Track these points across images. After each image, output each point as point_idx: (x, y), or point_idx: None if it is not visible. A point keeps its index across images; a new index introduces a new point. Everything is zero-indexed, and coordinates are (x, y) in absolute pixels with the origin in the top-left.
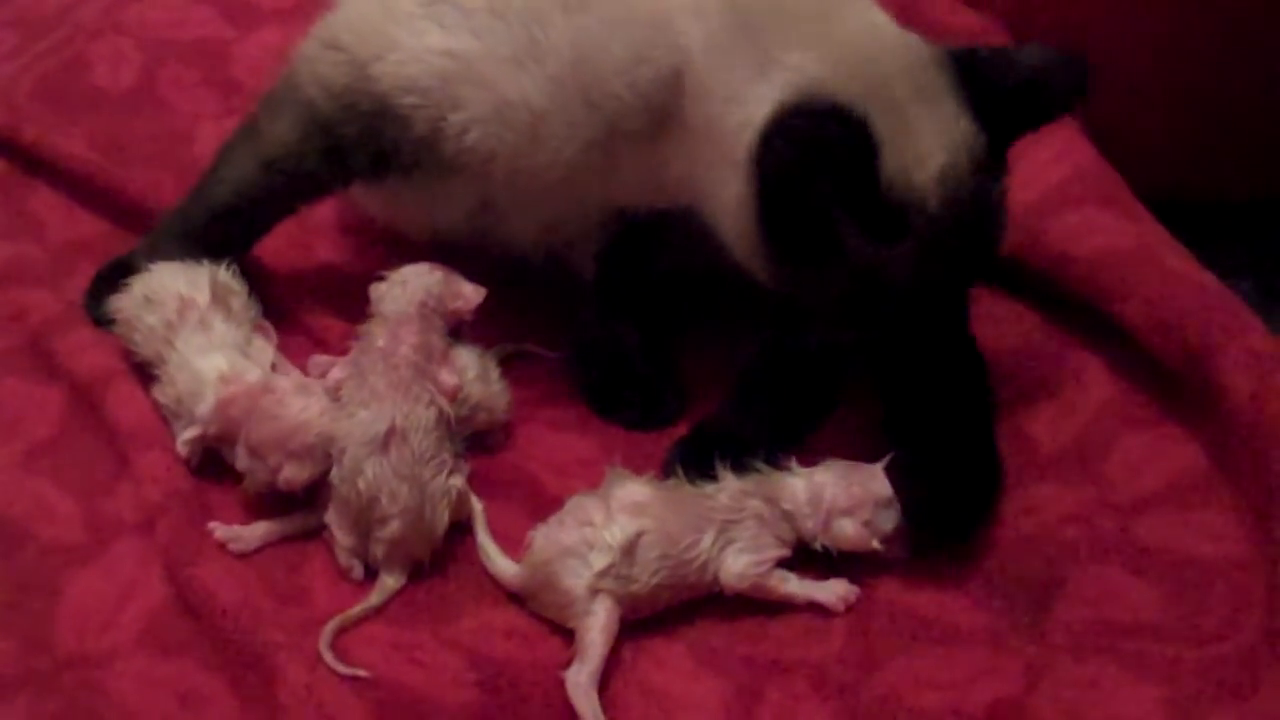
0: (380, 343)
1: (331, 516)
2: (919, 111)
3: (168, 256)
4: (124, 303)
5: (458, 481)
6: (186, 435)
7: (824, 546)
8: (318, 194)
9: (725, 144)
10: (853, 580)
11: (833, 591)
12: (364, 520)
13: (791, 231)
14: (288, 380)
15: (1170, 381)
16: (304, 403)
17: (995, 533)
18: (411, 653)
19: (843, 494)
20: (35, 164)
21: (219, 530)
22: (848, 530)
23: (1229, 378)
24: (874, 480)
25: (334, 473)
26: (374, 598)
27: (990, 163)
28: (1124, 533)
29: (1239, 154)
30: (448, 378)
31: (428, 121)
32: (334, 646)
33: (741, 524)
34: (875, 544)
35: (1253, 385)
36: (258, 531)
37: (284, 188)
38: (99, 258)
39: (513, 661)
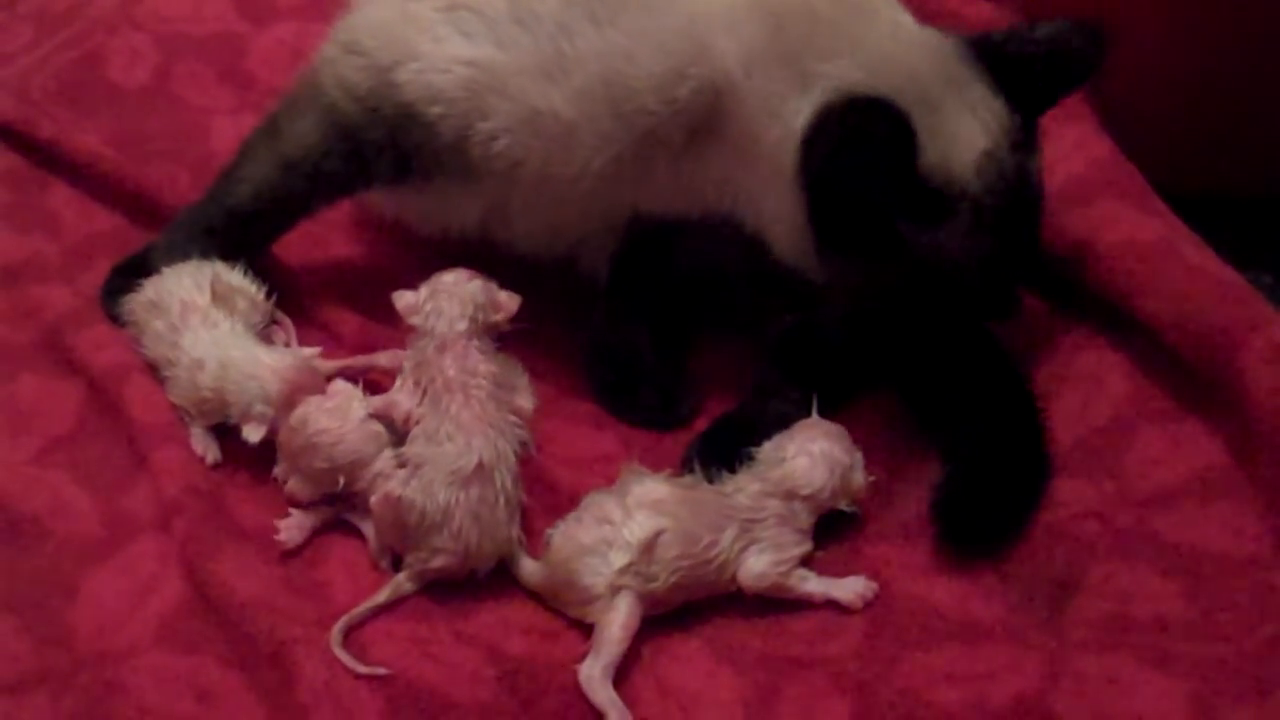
0: (451, 372)
1: (375, 524)
2: (953, 102)
3: (184, 254)
4: (133, 306)
5: (519, 531)
6: (254, 435)
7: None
8: (338, 196)
9: (768, 155)
10: (871, 576)
11: (851, 589)
12: (413, 539)
13: (842, 225)
14: (318, 398)
15: (1190, 376)
16: (329, 425)
17: None
18: (429, 648)
19: (843, 452)
20: (51, 159)
21: (283, 531)
22: (861, 481)
23: (1249, 372)
24: (838, 429)
25: (397, 485)
26: (383, 595)
27: (1026, 139)
28: (1144, 528)
29: (1260, 148)
30: (525, 402)
31: (454, 130)
32: (352, 642)
33: (763, 523)
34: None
35: (1273, 380)
36: (306, 522)
37: (304, 189)
38: (115, 253)
39: (531, 657)
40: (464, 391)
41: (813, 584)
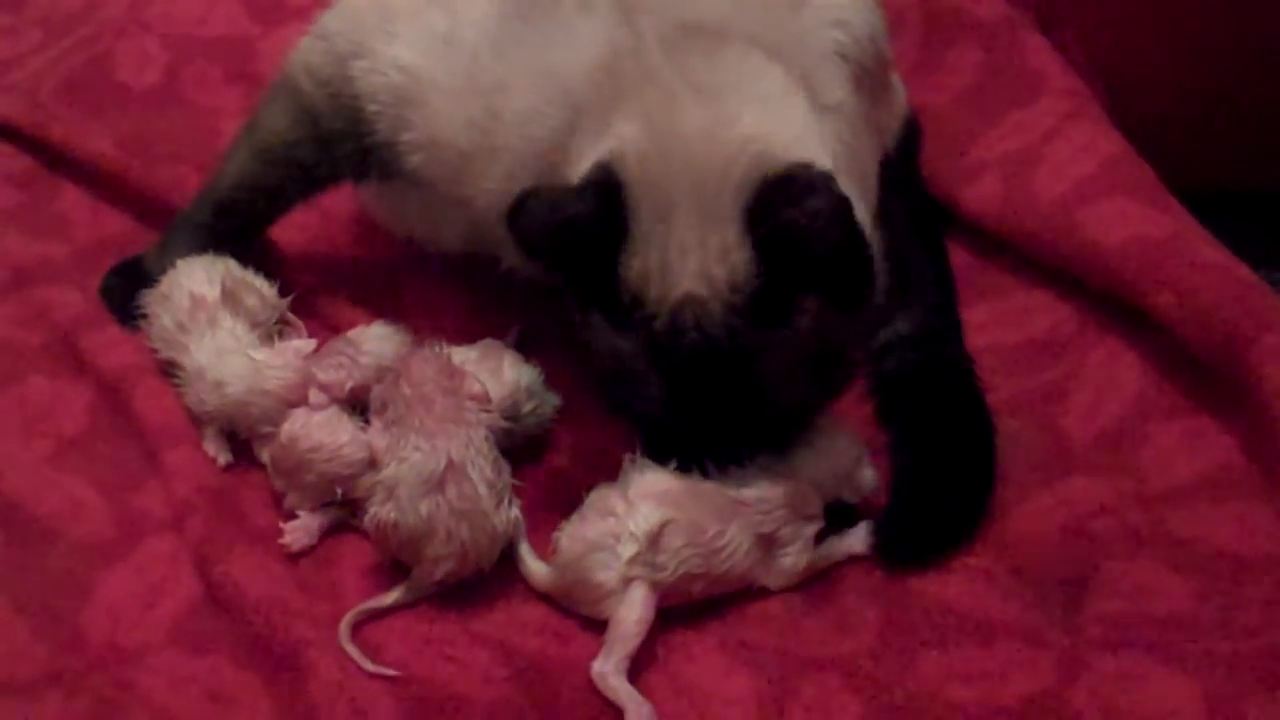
0: (406, 391)
1: (374, 546)
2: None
3: (176, 253)
4: (147, 299)
5: (517, 511)
6: (266, 454)
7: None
8: (312, 187)
9: None
10: (885, 575)
11: (861, 541)
12: (410, 554)
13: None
14: (306, 413)
15: (1203, 373)
16: (323, 440)
17: (1028, 525)
18: (443, 648)
19: (846, 444)
20: (61, 162)
21: (287, 535)
22: (869, 478)
23: (1262, 369)
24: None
25: (376, 508)
26: (390, 597)
27: (760, 308)
28: (1158, 525)
29: (1272, 144)
30: (472, 385)
31: (388, 132)
32: (365, 642)
33: (773, 515)
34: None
35: None
36: (313, 524)
37: (279, 178)
38: (125, 255)
39: (545, 656)
40: (421, 403)
41: (837, 554)
